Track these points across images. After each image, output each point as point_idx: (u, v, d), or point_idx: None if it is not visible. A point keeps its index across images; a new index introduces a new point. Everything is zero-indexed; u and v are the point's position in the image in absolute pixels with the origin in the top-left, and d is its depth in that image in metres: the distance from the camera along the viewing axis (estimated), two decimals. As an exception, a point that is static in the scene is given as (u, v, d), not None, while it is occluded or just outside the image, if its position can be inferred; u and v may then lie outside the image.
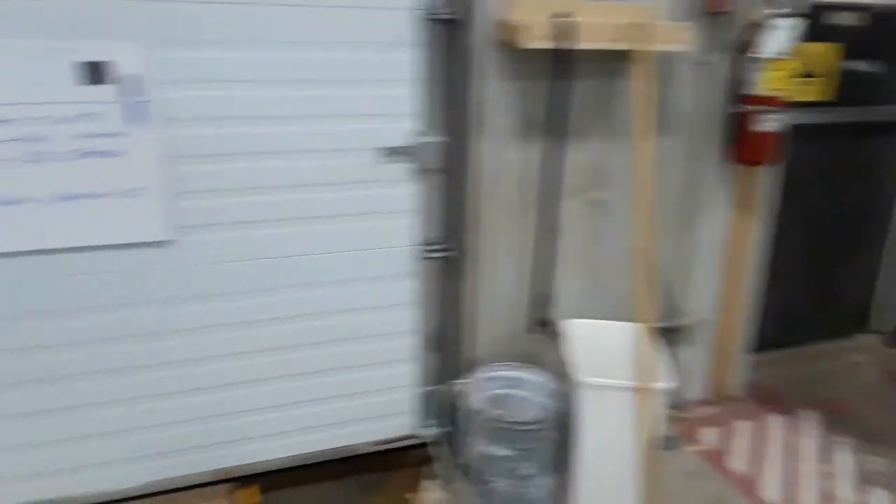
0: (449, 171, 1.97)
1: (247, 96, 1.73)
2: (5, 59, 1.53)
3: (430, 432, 2.17)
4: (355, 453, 2.11)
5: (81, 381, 1.80)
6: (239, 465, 2.01)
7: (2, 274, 1.66)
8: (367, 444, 2.11)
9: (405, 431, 2.16)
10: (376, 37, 1.78)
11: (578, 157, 2.09)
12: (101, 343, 1.79)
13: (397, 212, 1.95)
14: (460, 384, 2.07)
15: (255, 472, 2.02)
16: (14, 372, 1.74)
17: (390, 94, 1.84)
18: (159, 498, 1.94)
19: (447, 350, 2.13)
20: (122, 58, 1.60)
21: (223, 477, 1.99)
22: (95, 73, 1.60)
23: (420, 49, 1.83)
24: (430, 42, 1.84)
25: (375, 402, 2.10)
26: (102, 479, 1.90)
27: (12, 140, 1.58)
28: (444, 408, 2.15)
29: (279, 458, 2.05)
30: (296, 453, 2.06)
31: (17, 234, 1.64)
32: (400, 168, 1.91)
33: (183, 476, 1.96)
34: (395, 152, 1.89)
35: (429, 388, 2.15)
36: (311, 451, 2.08)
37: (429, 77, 1.87)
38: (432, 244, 2.02)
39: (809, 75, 2.54)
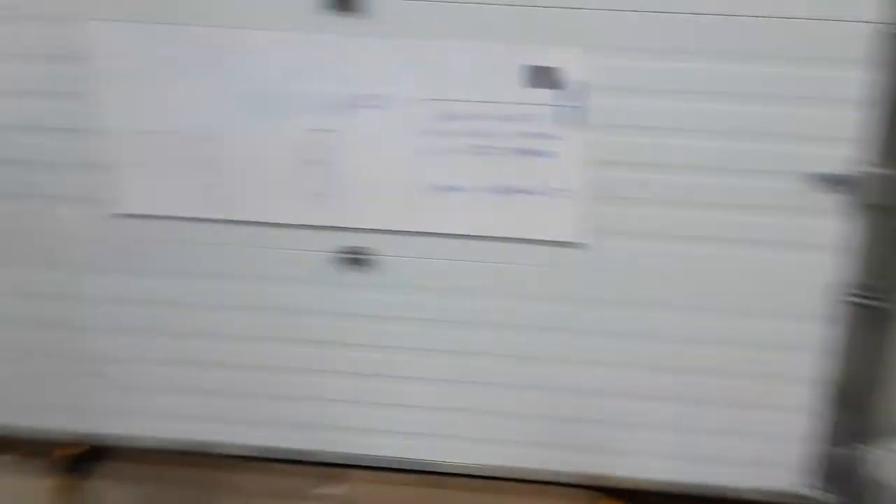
0: (892, 209, 1.71)
1: (679, 107, 1.69)
2: (462, 59, 1.69)
3: (821, 496, 1.94)
4: (731, 497, 1.96)
5: (480, 360, 1.94)
6: (604, 475, 2.00)
7: (434, 253, 1.85)
8: (746, 489, 1.95)
9: (790, 488, 1.95)
10: (827, 51, 1.62)
11: None
12: (508, 329, 1.91)
13: (819, 246, 1.76)
14: (869, 451, 1.80)
15: (621, 486, 1.99)
16: (436, 341, 1.95)
17: (833, 115, 1.66)
18: (518, 484, 2.02)
19: (856, 408, 1.87)
20: (568, 63, 1.67)
21: (584, 483, 2.00)
22: (540, 76, 1.69)
23: (876, 67, 1.62)
24: (890, 59, 1.61)
25: (761, 448, 1.93)
26: (470, 452, 2.02)
27: (461, 134, 1.75)
28: (842, 472, 1.91)
29: (650, 480, 2.00)
30: (668, 479, 1.99)
31: (454, 219, 1.82)
32: (831, 199, 1.72)
33: (548, 471, 2.01)
34: (828, 180, 1.70)
35: (827, 447, 1.91)
36: (684, 481, 1.98)
37: (884, 100, 1.64)
38: (858, 288, 1.78)
39: None
